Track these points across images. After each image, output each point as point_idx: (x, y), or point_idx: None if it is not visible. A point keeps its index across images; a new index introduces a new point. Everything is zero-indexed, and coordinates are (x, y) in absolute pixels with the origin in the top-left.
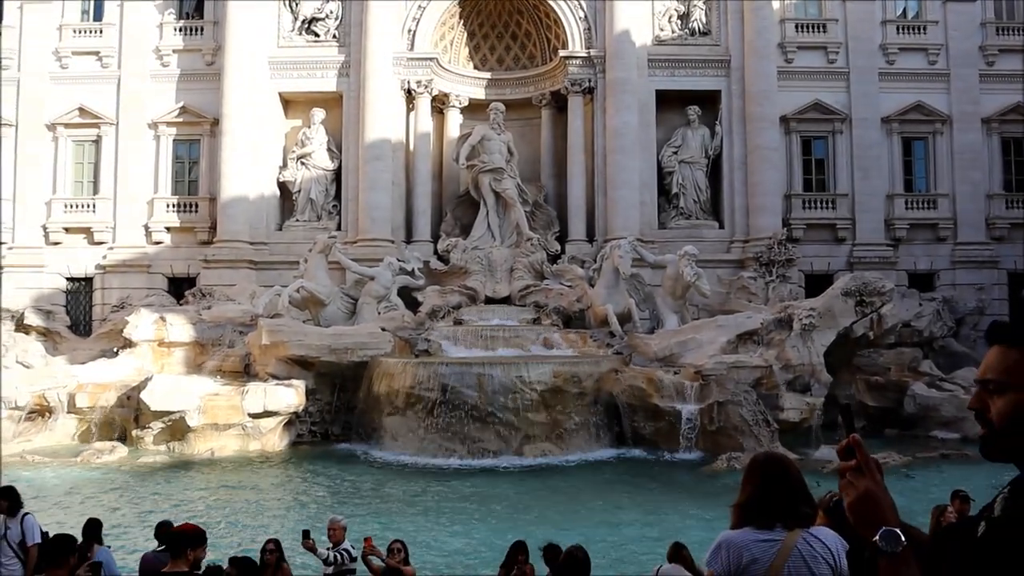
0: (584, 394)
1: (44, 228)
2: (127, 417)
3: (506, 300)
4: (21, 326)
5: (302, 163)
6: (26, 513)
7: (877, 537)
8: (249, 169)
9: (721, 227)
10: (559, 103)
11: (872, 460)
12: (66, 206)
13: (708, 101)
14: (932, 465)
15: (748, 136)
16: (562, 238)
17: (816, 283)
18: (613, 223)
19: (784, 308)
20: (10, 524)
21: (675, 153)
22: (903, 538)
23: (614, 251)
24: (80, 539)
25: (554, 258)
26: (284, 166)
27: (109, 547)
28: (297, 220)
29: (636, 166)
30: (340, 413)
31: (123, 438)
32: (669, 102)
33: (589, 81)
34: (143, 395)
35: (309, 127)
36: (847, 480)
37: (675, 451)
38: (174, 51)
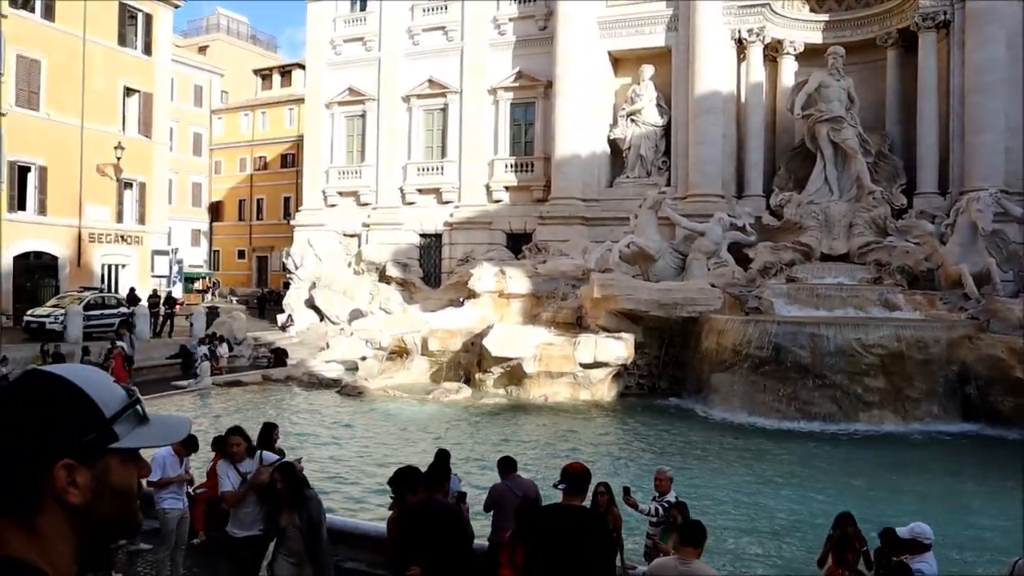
0: (930, 361)
1: (401, 190)
2: (471, 361)
3: (843, 258)
4: (383, 277)
5: (631, 120)
6: (261, 452)
7: None
8: (580, 128)
9: None
10: (906, 42)
11: None
12: (418, 169)
13: None
14: None
15: None
16: (909, 191)
17: None
18: (971, 173)
19: None
20: (242, 465)
21: None
22: None
23: (972, 204)
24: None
25: (899, 213)
26: (614, 124)
27: (456, 475)
28: (627, 177)
29: (1000, 107)
30: (667, 367)
31: (467, 380)
32: None
33: (944, 14)
34: (485, 342)
35: (638, 84)
36: None
37: None
38: (510, 19)
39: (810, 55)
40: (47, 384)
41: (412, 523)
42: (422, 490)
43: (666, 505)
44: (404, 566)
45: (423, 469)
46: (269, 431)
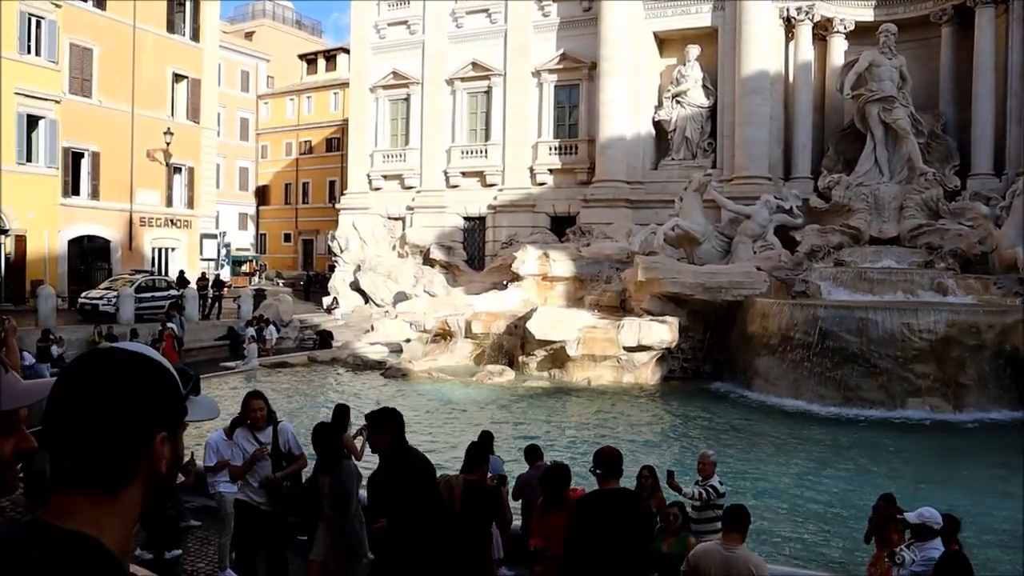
0: (983, 347)
1: (445, 173)
2: (514, 344)
3: (893, 241)
4: (427, 260)
5: (677, 101)
6: (277, 422)
7: None
8: (625, 110)
9: None
10: (962, 18)
11: None
12: (462, 153)
13: None
14: None
15: None
16: (962, 172)
17: None
18: None
19: None
20: (262, 434)
21: None
22: None
23: None
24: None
25: (952, 195)
26: (659, 105)
27: (499, 456)
28: (672, 159)
29: None
30: (712, 351)
31: (510, 362)
32: None
33: None
34: (528, 325)
35: (684, 65)
36: None
37: None
38: (553, 1)
39: (861, 33)
40: (139, 362)
41: (384, 472)
42: (389, 435)
43: (709, 489)
44: (374, 519)
45: (464, 451)
46: (345, 413)
